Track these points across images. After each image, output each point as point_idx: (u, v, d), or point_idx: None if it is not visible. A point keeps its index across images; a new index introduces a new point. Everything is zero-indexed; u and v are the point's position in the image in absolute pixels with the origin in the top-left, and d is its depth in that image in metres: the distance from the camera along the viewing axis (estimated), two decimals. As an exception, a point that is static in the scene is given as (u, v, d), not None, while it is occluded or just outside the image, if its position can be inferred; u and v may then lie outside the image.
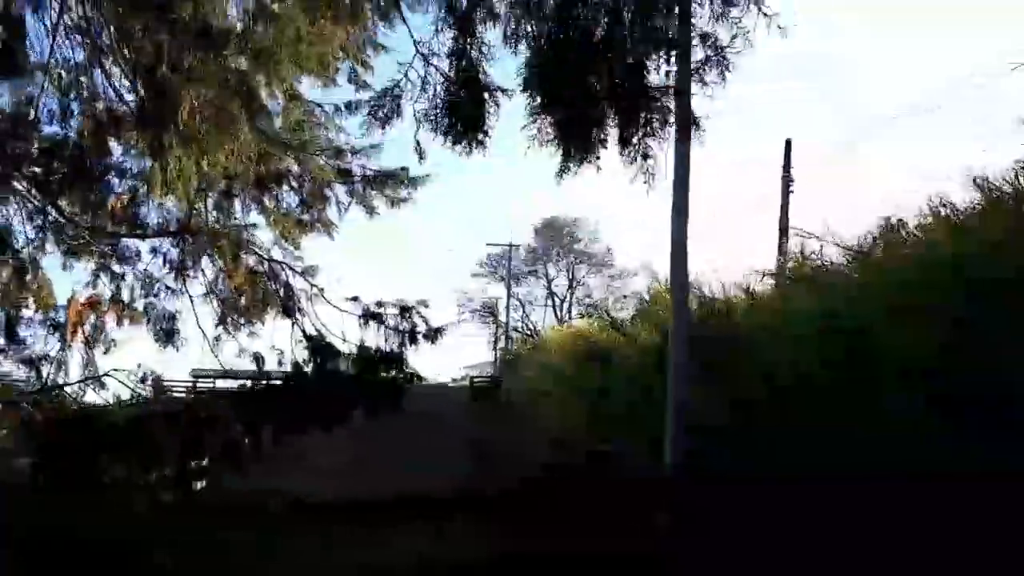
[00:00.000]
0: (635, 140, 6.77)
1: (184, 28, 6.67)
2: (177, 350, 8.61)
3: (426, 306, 8.51)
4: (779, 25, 6.81)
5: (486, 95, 6.97)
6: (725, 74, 6.75)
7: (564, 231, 47.84)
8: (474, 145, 6.96)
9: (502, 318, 46.20)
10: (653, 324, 10.24)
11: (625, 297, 31.39)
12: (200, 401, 10.35)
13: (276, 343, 8.76)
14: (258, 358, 8.81)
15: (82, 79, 7.60)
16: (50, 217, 8.42)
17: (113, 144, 7.90)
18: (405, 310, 8.49)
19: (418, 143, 7.34)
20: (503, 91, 6.96)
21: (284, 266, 8.67)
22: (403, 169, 8.59)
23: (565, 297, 48.17)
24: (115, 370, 8.55)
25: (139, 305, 8.67)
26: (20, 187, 8.10)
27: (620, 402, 9.87)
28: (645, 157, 6.81)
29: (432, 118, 7.04)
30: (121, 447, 8.37)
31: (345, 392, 8.37)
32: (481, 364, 45.28)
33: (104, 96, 7.63)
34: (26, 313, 8.68)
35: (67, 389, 8.39)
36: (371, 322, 8.56)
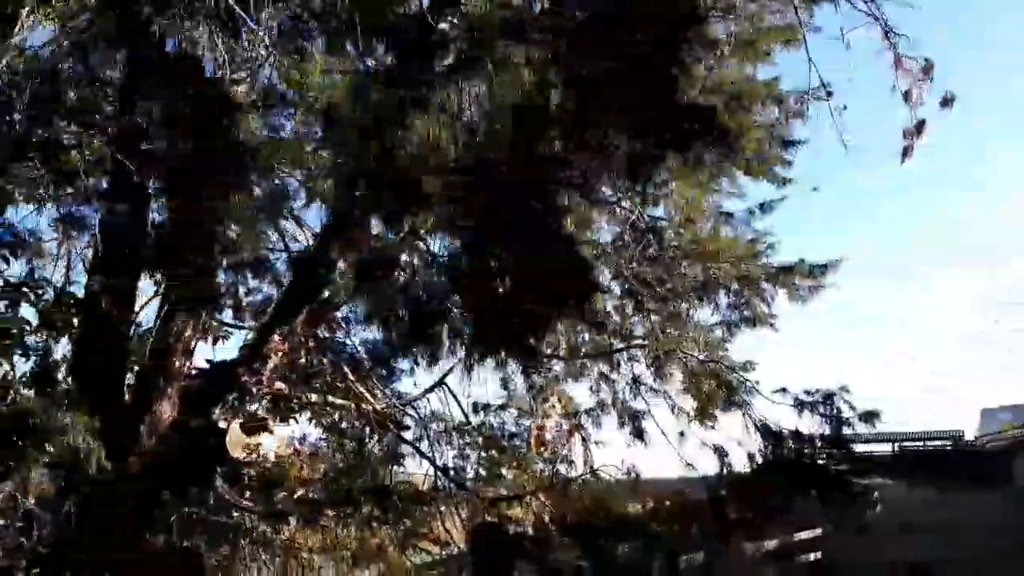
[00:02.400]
0: None
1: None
2: (646, 446, 10.08)
3: (847, 391, 8.71)
4: None
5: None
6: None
7: None
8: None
9: None
10: None
11: None
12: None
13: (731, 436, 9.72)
14: (719, 450, 9.80)
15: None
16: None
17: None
18: (828, 397, 8.76)
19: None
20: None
21: (721, 365, 9.60)
22: (801, 261, 9.09)
23: None
24: (604, 465, 10.49)
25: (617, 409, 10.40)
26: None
27: None
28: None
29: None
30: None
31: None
32: None
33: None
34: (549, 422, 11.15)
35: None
36: (804, 410, 9.00)
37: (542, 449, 9.98)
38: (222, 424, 6.39)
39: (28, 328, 9.18)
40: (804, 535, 23.51)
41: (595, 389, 10.96)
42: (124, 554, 6.32)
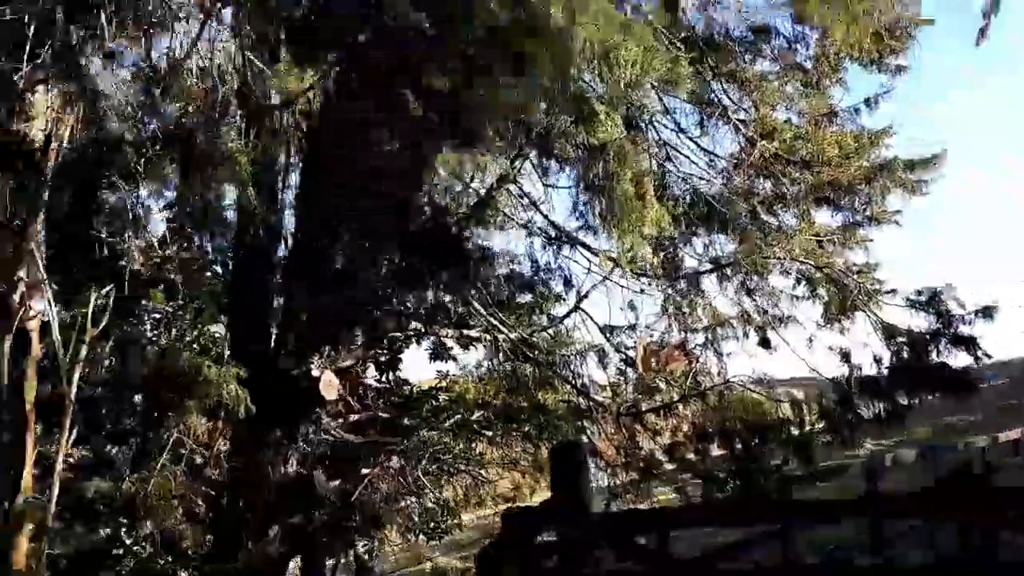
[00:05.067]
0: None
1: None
2: (771, 354, 10.20)
3: (952, 288, 8.33)
4: None
5: None
6: None
7: None
8: None
9: None
10: None
11: None
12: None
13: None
14: (846, 354, 9.71)
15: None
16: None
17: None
18: (934, 296, 8.42)
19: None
20: None
21: (838, 270, 9.44)
22: (895, 158, 8.63)
23: None
24: (737, 376, 10.70)
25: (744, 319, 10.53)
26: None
27: None
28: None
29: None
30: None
31: None
32: None
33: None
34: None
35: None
36: (919, 311, 8.73)
37: (653, 368, 10.38)
38: (315, 372, 7.62)
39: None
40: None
41: (734, 300, 11.09)
42: (262, 482, 7.81)
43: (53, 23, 4.67)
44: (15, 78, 4.77)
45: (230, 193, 7.14)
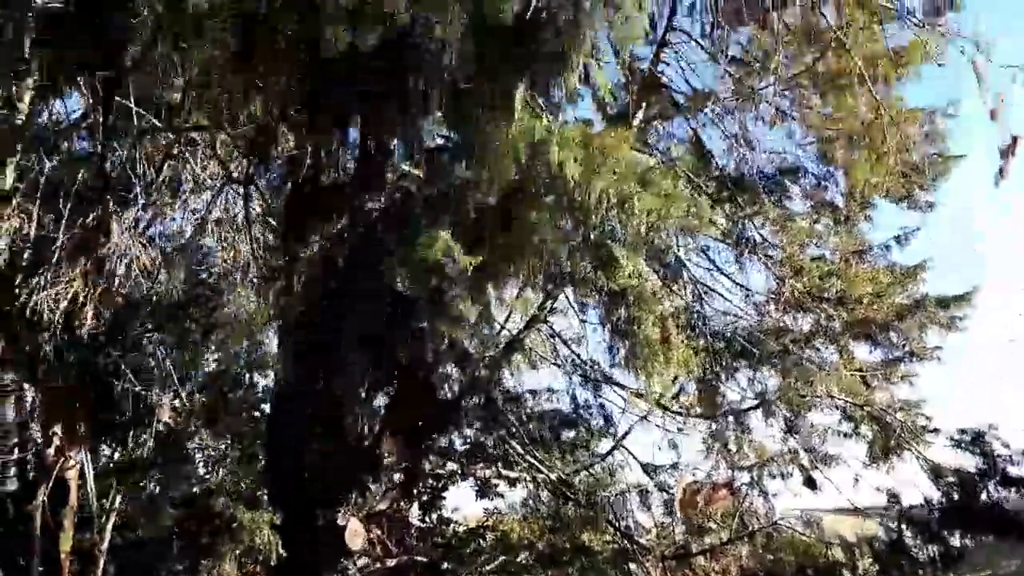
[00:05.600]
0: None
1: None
2: (817, 494, 9.87)
3: (995, 428, 8.04)
4: None
5: None
6: None
7: None
8: None
9: None
10: None
11: None
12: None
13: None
14: (894, 495, 9.35)
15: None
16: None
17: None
18: (978, 436, 8.13)
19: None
20: None
21: (871, 406, 9.23)
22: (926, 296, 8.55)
23: None
24: (783, 516, 10.33)
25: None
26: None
27: None
28: None
29: None
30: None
31: None
32: None
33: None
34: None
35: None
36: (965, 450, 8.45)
37: (696, 509, 10.11)
38: (340, 521, 7.65)
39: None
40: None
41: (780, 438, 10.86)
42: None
43: (89, 195, 5.11)
44: (53, 248, 5.19)
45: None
